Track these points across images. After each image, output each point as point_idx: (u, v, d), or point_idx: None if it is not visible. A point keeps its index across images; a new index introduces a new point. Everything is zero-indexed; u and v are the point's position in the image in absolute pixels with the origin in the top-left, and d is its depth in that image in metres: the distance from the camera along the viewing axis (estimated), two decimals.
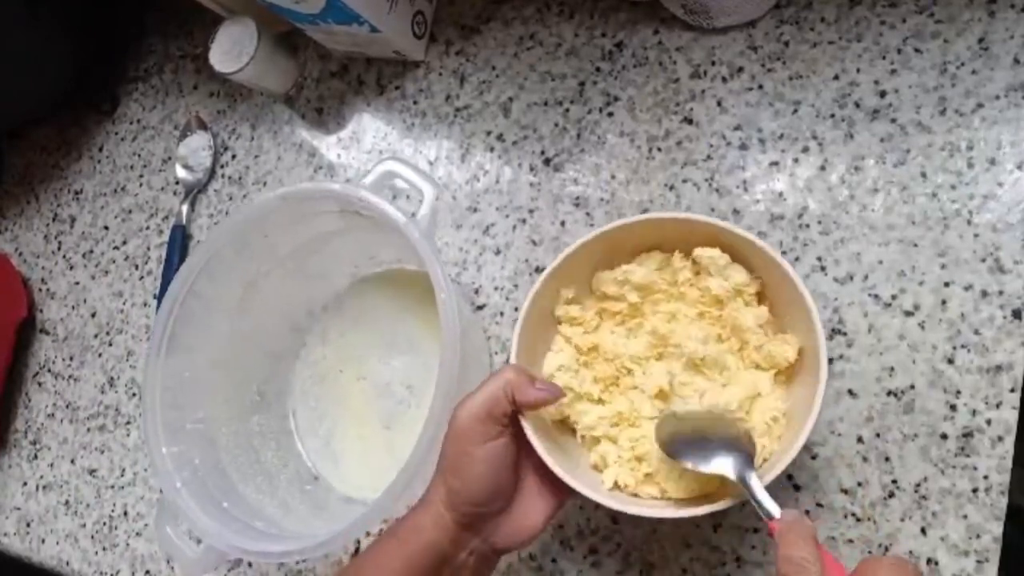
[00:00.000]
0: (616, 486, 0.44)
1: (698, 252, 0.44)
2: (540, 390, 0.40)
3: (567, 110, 0.58)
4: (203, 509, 0.49)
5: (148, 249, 0.74)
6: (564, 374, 0.45)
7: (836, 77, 0.50)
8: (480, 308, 0.57)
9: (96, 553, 0.68)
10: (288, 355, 0.62)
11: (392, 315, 0.60)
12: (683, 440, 0.40)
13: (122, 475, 0.69)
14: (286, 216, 0.52)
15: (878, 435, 0.45)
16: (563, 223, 0.56)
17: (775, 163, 0.50)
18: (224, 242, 0.52)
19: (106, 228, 0.77)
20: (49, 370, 0.76)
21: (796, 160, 0.50)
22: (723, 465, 0.38)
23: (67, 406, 0.74)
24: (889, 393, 0.45)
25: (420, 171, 0.49)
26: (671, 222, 0.44)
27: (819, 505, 0.45)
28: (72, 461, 0.72)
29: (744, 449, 0.38)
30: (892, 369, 0.45)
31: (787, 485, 0.46)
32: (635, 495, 0.44)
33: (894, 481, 0.44)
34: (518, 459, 0.42)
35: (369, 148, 0.66)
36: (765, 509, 0.35)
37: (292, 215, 0.52)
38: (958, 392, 0.43)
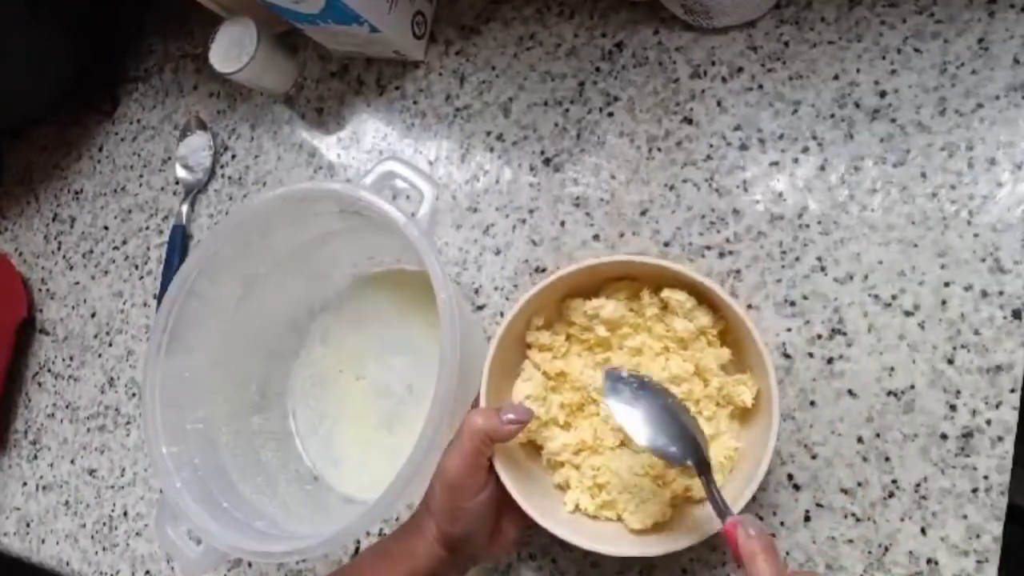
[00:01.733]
0: (577, 508, 0.46)
1: (666, 294, 0.46)
2: (511, 423, 0.43)
3: (567, 110, 0.58)
4: (204, 509, 0.49)
5: (148, 249, 0.74)
6: (532, 403, 0.47)
7: (836, 77, 0.50)
8: (480, 308, 0.57)
9: (96, 553, 0.68)
10: (288, 355, 0.62)
11: (392, 315, 0.60)
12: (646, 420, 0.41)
13: (122, 475, 0.69)
14: (286, 216, 0.52)
15: (878, 435, 0.45)
16: (563, 223, 0.56)
17: (775, 163, 0.50)
18: (223, 242, 0.52)
19: (106, 228, 0.77)
20: (49, 370, 0.76)
21: (796, 160, 0.50)
22: (686, 453, 0.40)
23: (67, 406, 0.74)
24: (889, 393, 0.45)
25: (419, 171, 0.49)
26: (641, 266, 0.46)
27: (819, 505, 0.45)
28: (72, 461, 0.72)
29: (702, 448, 0.40)
30: (892, 369, 0.45)
31: (787, 485, 0.46)
32: (595, 517, 0.46)
33: (894, 481, 0.44)
34: (500, 490, 0.44)
35: (369, 148, 0.66)
36: (719, 504, 0.38)
37: (292, 215, 0.52)
38: (958, 392, 0.43)
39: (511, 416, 0.43)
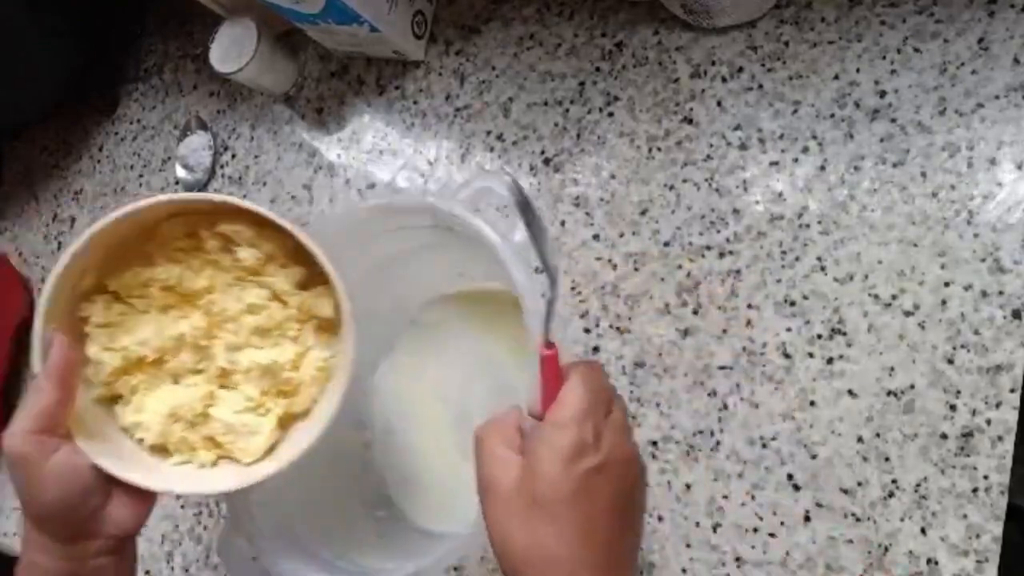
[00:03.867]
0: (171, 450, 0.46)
1: (223, 227, 0.45)
2: (58, 351, 0.41)
3: (567, 110, 0.58)
4: (279, 535, 0.47)
5: None
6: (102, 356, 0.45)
7: (836, 77, 0.50)
8: None
9: None
10: (367, 370, 0.59)
11: (476, 335, 0.57)
12: None
13: None
14: (376, 227, 0.50)
15: (878, 435, 0.45)
16: (563, 223, 0.56)
17: (775, 163, 0.50)
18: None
19: None
20: None
21: (796, 160, 0.50)
22: None
23: None
24: (889, 393, 0.45)
25: (520, 189, 0.45)
26: (184, 203, 0.44)
27: (819, 505, 0.45)
28: None
29: None
30: (892, 369, 0.45)
31: (787, 485, 0.46)
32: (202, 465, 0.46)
33: (894, 481, 0.44)
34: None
35: (369, 148, 0.66)
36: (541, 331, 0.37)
37: (382, 227, 0.50)
38: (958, 392, 0.43)
39: (56, 348, 0.41)
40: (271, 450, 0.45)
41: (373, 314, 0.57)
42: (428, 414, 0.58)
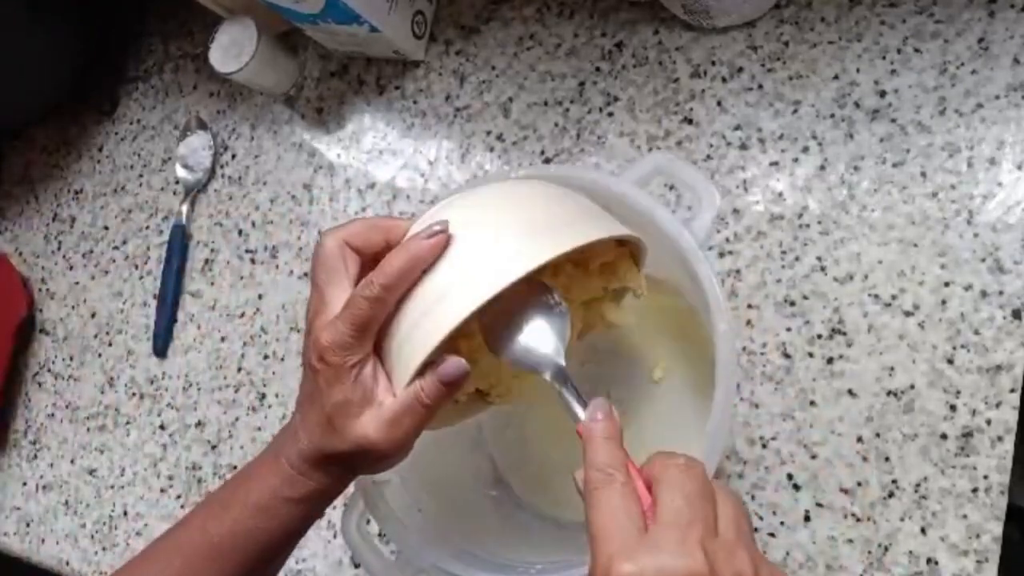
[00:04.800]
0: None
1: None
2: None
3: (567, 110, 0.58)
4: (402, 514, 0.43)
5: (148, 249, 0.74)
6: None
7: (836, 77, 0.50)
8: None
9: (96, 553, 0.68)
10: None
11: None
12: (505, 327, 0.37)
13: (122, 475, 0.69)
14: None
15: (878, 435, 0.45)
16: None
17: (775, 163, 0.50)
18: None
19: (106, 228, 0.77)
20: (49, 370, 0.76)
21: (796, 160, 0.50)
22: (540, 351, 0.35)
23: (67, 406, 0.74)
24: (889, 393, 0.45)
25: (699, 172, 0.42)
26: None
27: (819, 505, 0.45)
28: (72, 461, 0.72)
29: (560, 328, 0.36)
30: (892, 369, 0.45)
31: (787, 485, 0.46)
32: None
33: (894, 481, 0.44)
34: None
35: (369, 148, 0.66)
36: (573, 413, 0.33)
37: None
38: (958, 392, 0.43)
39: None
40: None
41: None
42: (547, 390, 0.54)
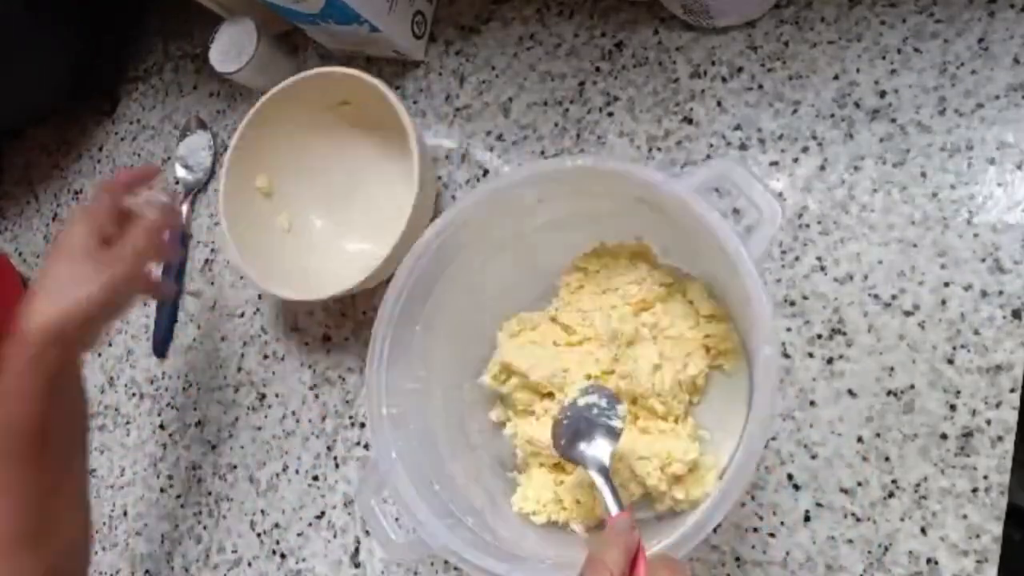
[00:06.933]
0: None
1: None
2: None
3: (567, 110, 0.58)
4: (417, 491, 0.44)
5: None
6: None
7: (836, 77, 0.50)
8: None
9: (96, 553, 0.68)
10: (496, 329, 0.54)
11: None
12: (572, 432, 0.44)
13: (122, 475, 0.69)
14: (570, 187, 0.46)
15: (878, 435, 0.45)
16: None
17: (775, 163, 0.50)
18: (517, 189, 0.46)
19: None
20: None
21: (796, 160, 0.50)
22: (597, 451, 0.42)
23: None
24: (889, 393, 0.45)
25: (764, 186, 0.40)
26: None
27: (819, 505, 0.45)
28: None
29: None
30: (892, 369, 0.45)
31: (787, 485, 0.46)
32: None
33: (894, 481, 0.44)
34: None
35: None
36: (605, 504, 0.39)
37: (578, 187, 0.46)
38: (958, 392, 0.43)
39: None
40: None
41: (537, 267, 0.54)
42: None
